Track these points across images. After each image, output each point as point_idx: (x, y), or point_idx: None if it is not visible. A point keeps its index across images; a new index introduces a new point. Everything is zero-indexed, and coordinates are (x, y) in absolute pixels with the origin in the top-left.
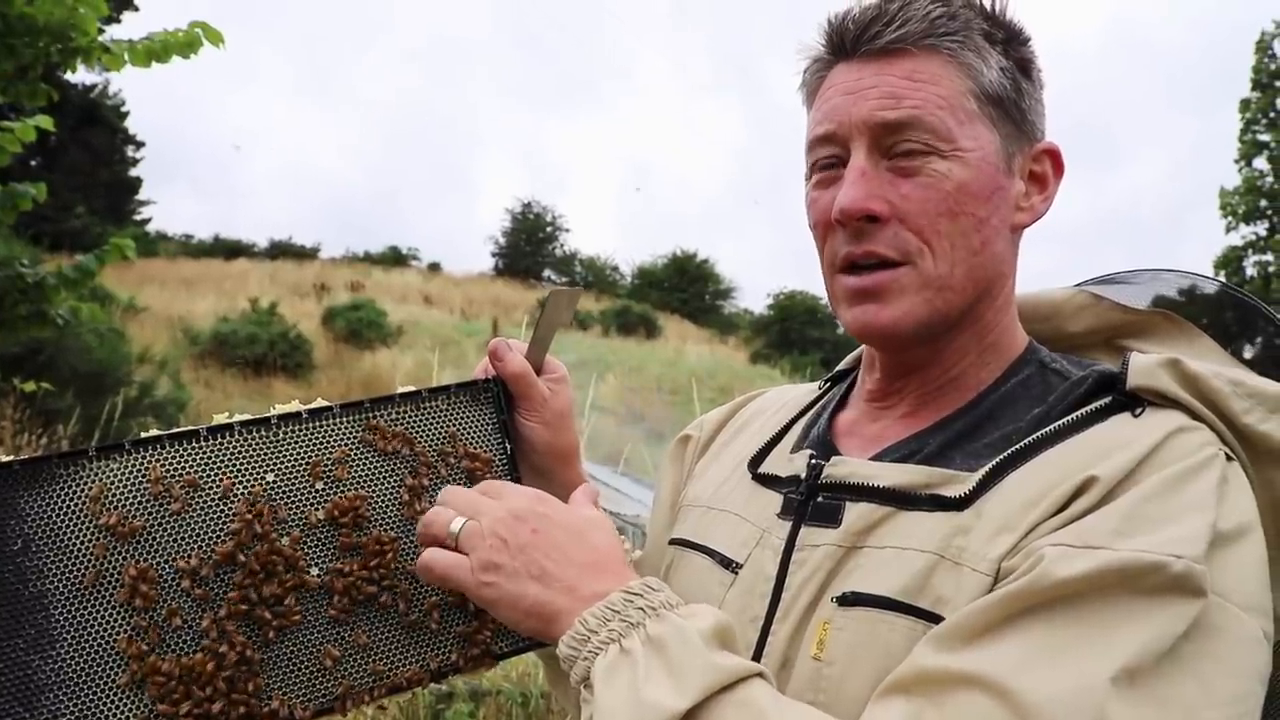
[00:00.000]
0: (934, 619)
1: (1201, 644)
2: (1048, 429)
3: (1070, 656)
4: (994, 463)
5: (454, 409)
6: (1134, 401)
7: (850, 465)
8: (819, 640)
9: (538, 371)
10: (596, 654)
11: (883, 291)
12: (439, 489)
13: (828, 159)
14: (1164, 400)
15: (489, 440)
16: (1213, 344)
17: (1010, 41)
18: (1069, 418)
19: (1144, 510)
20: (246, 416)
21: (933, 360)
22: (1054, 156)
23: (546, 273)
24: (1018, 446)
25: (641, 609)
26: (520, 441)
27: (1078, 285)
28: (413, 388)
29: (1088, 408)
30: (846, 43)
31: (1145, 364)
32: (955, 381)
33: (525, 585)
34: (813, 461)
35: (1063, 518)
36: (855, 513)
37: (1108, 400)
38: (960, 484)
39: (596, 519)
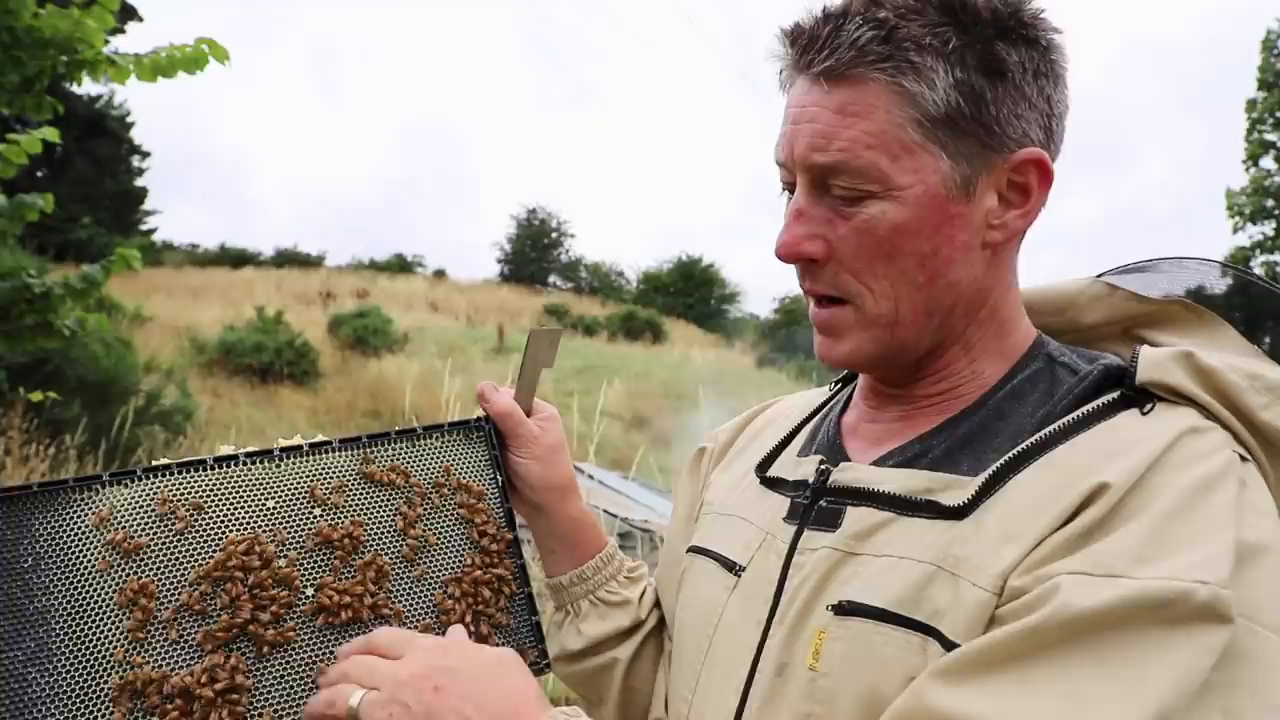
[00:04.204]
0: (929, 631)
1: (1232, 673)
2: (1051, 428)
3: (1094, 703)
4: (994, 467)
5: (448, 446)
6: (1143, 397)
7: (856, 471)
8: (815, 650)
9: (527, 413)
10: None
11: (832, 328)
12: (433, 517)
13: (787, 183)
14: (1176, 396)
15: (482, 474)
16: (1235, 334)
17: (987, 40)
18: (1072, 415)
19: (1163, 531)
20: (252, 448)
21: (920, 375)
22: (1039, 165)
23: (552, 278)
24: (1020, 449)
25: None
26: (515, 478)
27: (1097, 275)
28: (409, 426)
29: (1093, 404)
30: (796, 60)
31: (1156, 357)
32: (953, 390)
33: None
34: (822, 466)
35: (1072, 530)
36: (853, 516)
37: (1115, 396)
38: (960, 490)
39: (504, 658)
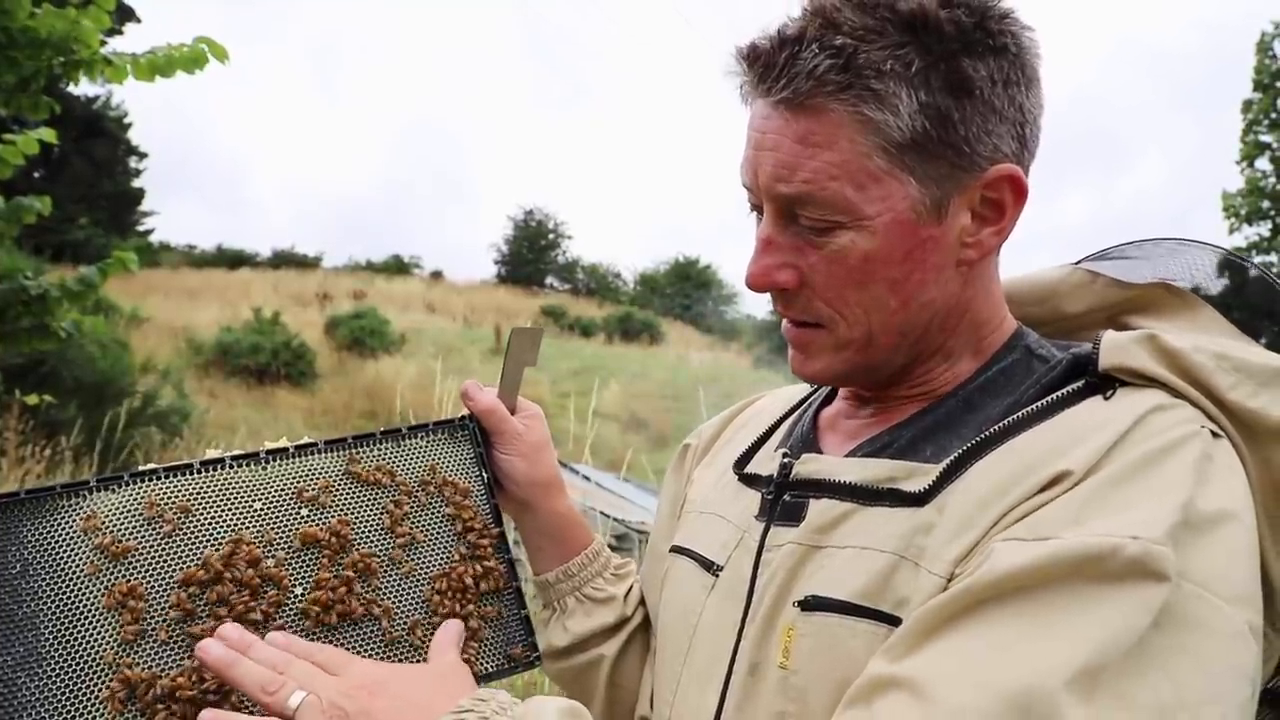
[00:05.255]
0: (894, 621)
1: (1174, 637)
2: (1015, 416)
3: (1019, 653)
4: (956, 454)
5: (433, 445)
6: (1107, 383)
7: (818, 462)
8: (784, 647)
9: (511, 411)
10: None
11: (804, 346)
12: (420, 514)
13: (754, 204)
14: (1142, 379)
15: (467, 472)
16: (1215, 314)
17: (951, 57)
18: (1038, 403)
19: (1106, 495)
20: (238, 451)
21: (897, 380)
22: (1013, 181)
23: (549, 279)
24: (982, 436)
25: None
26: (501, 475)
27: (1076, 263)
28: (394, 426)
29: (1059, 392)
30: (754, 84)
31: (1118, 341)
32: (932, 391)
33: None
34: (785, 460)
35: (1024, 509)
36: (816, 509)
37: (1080, 384)
38: (922, 477)
39: (448, 665)
